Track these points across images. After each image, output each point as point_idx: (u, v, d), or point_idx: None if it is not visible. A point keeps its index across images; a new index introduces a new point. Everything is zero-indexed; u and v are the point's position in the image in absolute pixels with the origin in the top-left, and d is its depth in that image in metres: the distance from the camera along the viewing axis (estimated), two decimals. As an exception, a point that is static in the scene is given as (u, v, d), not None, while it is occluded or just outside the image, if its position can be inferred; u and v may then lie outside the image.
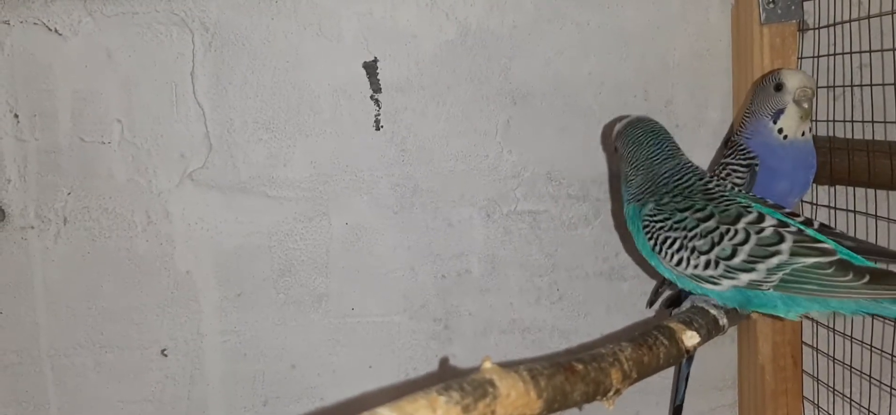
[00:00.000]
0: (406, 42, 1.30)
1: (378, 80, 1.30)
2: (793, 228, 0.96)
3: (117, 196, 1.27)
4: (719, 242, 0.96)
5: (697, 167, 1.08)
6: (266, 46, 1.27)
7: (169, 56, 1.26)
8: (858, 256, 0.95)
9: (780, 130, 1.15)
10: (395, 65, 1.31)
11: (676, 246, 1.00)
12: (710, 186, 1.03)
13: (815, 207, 1.36)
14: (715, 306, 1.01)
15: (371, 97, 1.31)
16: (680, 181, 1.04)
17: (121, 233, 1.28)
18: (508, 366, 0.72)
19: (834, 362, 1.35)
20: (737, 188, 1.05)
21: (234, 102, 1.28)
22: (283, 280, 1.33)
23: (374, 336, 1.36)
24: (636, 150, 1.11)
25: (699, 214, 0.99)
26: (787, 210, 1.01)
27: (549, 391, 0.73)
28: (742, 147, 1.18)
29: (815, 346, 1.38)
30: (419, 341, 1.37)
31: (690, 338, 0.94)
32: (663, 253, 1.01)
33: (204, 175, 1.28)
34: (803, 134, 1.16)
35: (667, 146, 1.10)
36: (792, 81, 1.14)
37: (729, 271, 0.96)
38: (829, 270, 0.92)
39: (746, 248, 0.95)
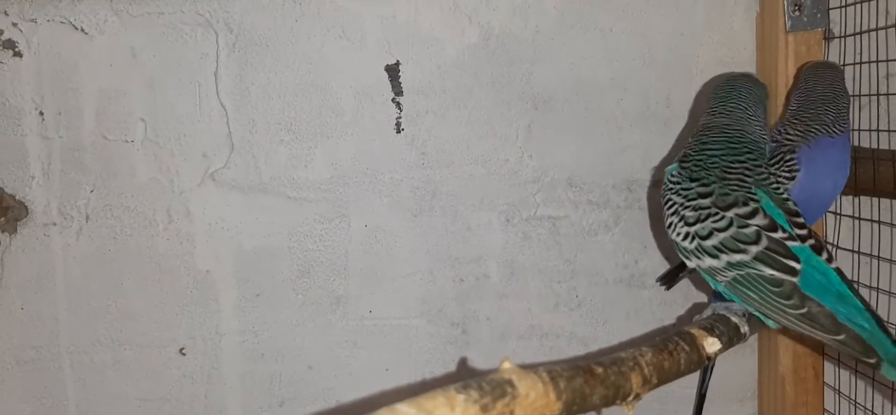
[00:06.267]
0: (429, 45, 1.31)
1: (400, 83, 1.31)
2: (778, 237, 0.95)
3: (139, 195, 1.28)
4: (703, 221, 0.99)
5: (750, 140, 1.07)
6: (289, 48, 1.28)
7: (193, 56, 1.26)
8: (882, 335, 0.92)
9: None
10: (417, 68, 1.31)
11: (672, 210, 1.04)
12: (738, 165, 1.03)
13: (839, 216, 1.35)
14: (737, 314, 1.00)
15: (392, 100, 1.31)
16: (712, 150, 1.06)
17: (142, 231, 1.29)
18: (528, 367, 0.71)
19: (856, 375, 1.33)
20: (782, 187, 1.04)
21: (256, 103, 1.28)
22: (302, 281, 1.33)
23: (392, 339, 1.36)
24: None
25: (701, 189, 1.01)
26: (804, 222, 0.99)
27: (568, 393, 0.73)
28: (792, 155, 1.15)
29: (837, 358, 1.36)
30: (436, 345, 1.37)
31: (711, 344, 0.93)
32: (665, 215, 1.05)
33: (225, 175, 1.29)
34: None
35: (732, 104, 1.12)
36: None
37: (698, 251, 0.99)
38: (777, 289, 0.92)
39: (722, 236, 0.97)
